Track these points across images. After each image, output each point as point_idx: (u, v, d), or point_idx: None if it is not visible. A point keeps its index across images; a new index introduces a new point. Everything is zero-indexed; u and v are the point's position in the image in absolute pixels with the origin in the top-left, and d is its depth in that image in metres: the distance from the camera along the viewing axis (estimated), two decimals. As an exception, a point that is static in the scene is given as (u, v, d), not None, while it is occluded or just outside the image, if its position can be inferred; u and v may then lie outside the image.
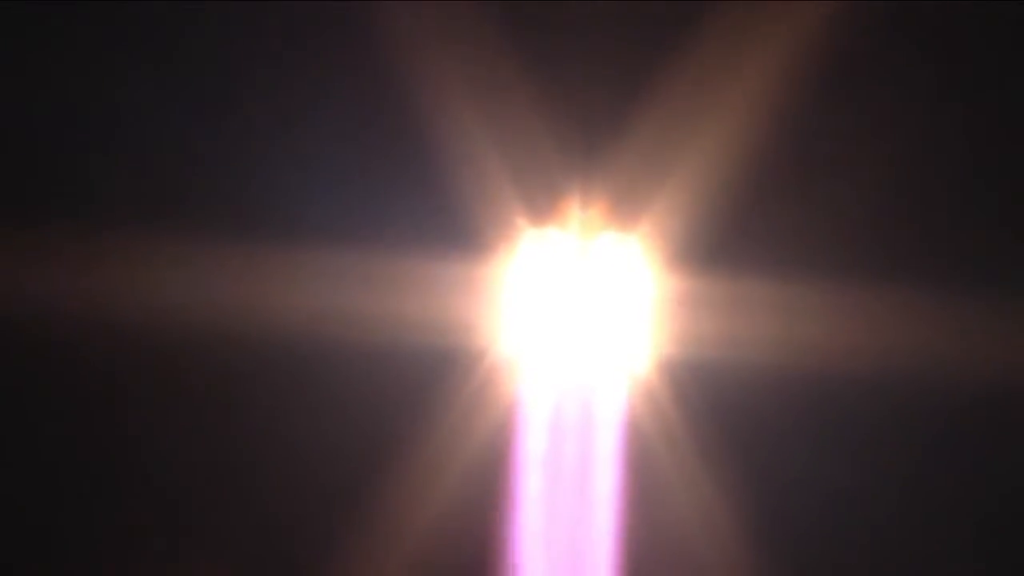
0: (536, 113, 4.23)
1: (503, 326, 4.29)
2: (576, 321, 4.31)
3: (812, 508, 4.29)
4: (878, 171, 4.35)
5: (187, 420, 4.28)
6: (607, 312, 4.31)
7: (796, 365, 4.20)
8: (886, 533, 4.33)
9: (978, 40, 4.36)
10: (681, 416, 4.25)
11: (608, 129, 4.24)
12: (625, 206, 4.27)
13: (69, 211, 4.24)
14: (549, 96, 4.24)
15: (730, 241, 4.26)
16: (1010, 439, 4.35)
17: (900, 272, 4.31)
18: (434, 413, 4.20)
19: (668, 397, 4.26)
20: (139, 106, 4.31)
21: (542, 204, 4.27)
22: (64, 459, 4.28)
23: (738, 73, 4.23)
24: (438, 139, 4.21)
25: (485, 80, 4.24)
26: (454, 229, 4.23)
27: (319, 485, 4.22)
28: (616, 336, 4.30)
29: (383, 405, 4.22)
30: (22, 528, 4.25)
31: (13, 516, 4.25)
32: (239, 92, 4.31)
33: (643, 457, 4.25)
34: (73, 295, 4.11)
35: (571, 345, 4.30)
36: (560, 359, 4.30)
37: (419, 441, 4.19)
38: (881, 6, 4.30)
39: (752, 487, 4.23)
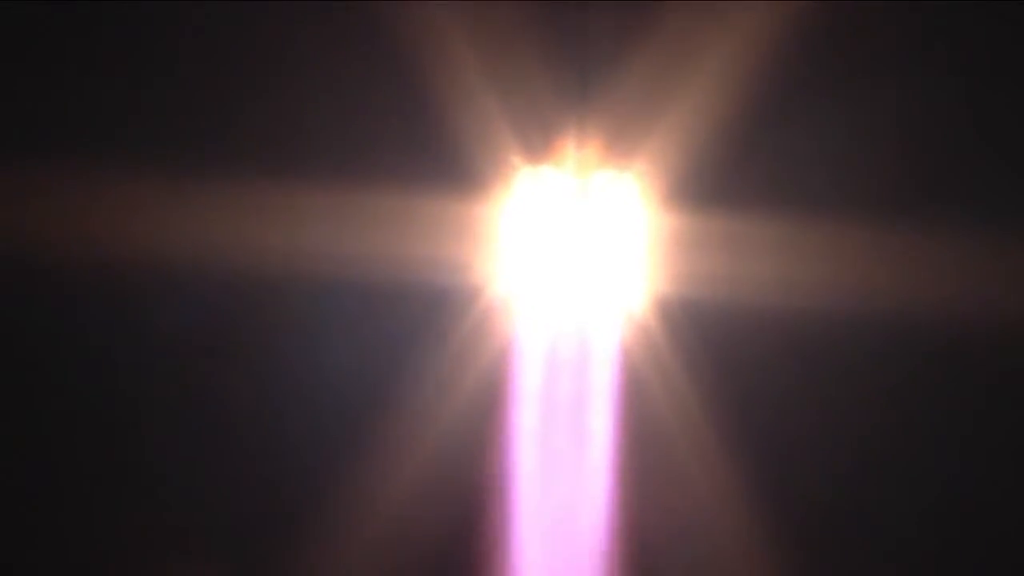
0: (532, 52, 4.23)
1: (499, 264, 4.30)
2: (572, 259, 4.32)
3: (805, 443, 4.32)
4: (878, 111, 4.34)
5: (182, 358, 4.31)
6: (603, 250, 4.32)
7: (791, 304, 4.21)
8: (879, 467, 4.35)
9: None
10: (676, 354, 4.27)
11: (604, 67, 4.24)
12: (621, 144, 4.27)
13: (66, 148, 4.25)
14: (545, 34, 4.24)
15: (726, 179, 4.26)
16: (1009, 379, 4.37)
17: (899, 212, 4.31)
18: (431, 350, 4.23)
19: (663, 335, 4.28)
20: (136, 41, 4.33)
21: (538, 143, 4.27)
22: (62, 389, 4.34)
23: (737, 10, 4.22)
24: (435, 78, 4.21)
25: (482, 20, 4.23)
26: (451, 168, 4.24)
27: (315, 421, 4.26)
28: (611, 274, 4.32)
29: (379, 343, 4.25)
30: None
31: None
32: (236, 30, 4.31)
33: (638, 394, 4.27)
34: (69, 232, 4.14)
35: (567, 283, 4.32)
36: (556, 297, 4.32)
37: (416, 378, 4.22)
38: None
39: (745, 424, 4.25)
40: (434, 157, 4.24)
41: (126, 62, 4.32)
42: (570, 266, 4.32)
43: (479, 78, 4.21)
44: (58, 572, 4.27)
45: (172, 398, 4.31)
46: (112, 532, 4.29)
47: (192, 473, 4.31)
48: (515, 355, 4.28)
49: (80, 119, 4.29)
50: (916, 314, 4.22)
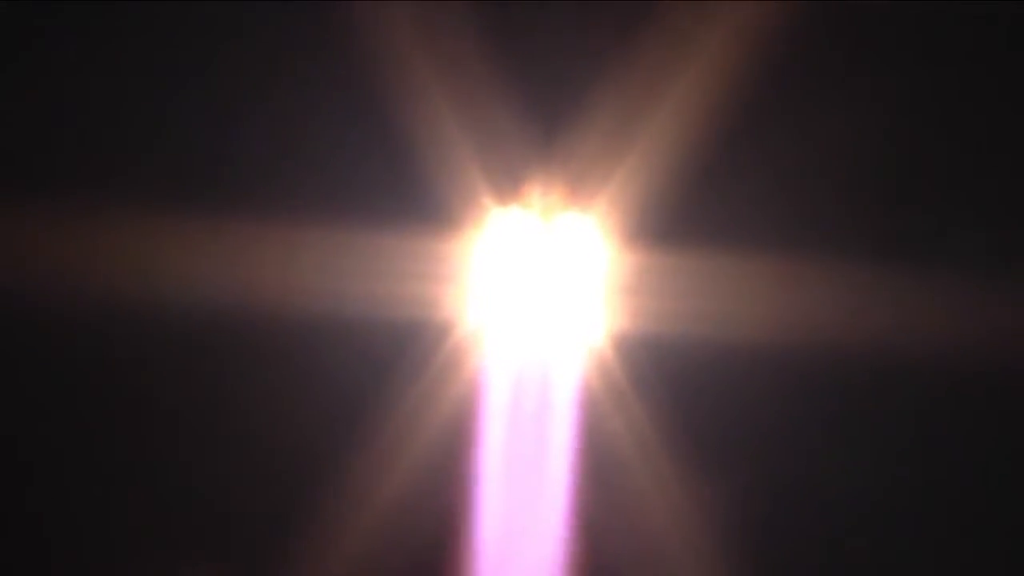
0: (502, 97, 4.35)
1: (468, 300, 4.41)
2: (537, 296, 4.44)
3: (765, 473, 4.40)
4: (837, 148, 4.42)
5: (162, 392, 4.41)
6: (567, 288, 4.43)
7: (750, 339, 4.31)
8: (834, 496, 4.43)
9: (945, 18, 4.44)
10: (634, 386, 4.37)
11: (569, 111, 4.35)
12: (585, 185, 4.38)
13: (61, 191, 4.35)
14: (514, 82, 4.35)
15: (686, 218, 4.36)
16: (980, 414, 4.44)
17: (857, 247, 4.40)
18: (402, 383, 4.33)
19: (622, 369, 4.38)
20: (130, 89, 4.43)
21: (506, 184, 4.38)
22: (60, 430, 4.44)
23: (696, 54, 4.32)
24: (407, 121, 4.33)
25: (454, 66, 4.35)
26: (422, 208, 4.34)
27: (287, 455, 4.35)
28: (575, 310, 4.43)
29: (351, 376, 4.34)
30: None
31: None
32: (214, 75, 4.42)
33: (598, 424, 4.37)
34: (61, 272, 4.24)
35: (532, 319, 4.43)
36: (522, 332, 4.43)
37: (387, 411, 4.31)
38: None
39: (702, 455, 4.35)
40: (406, 198, 4.34)
41: (115, 100, 4.43)
42: (536, 303, 4.44)
43: (450, 122, 4.32)
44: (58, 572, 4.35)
45: (156, 425, 4.40)
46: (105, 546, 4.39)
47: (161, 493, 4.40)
48: (483, 386, 4.38)
49: (72, 153, 4.40)
50: (879, 346, 4.30)
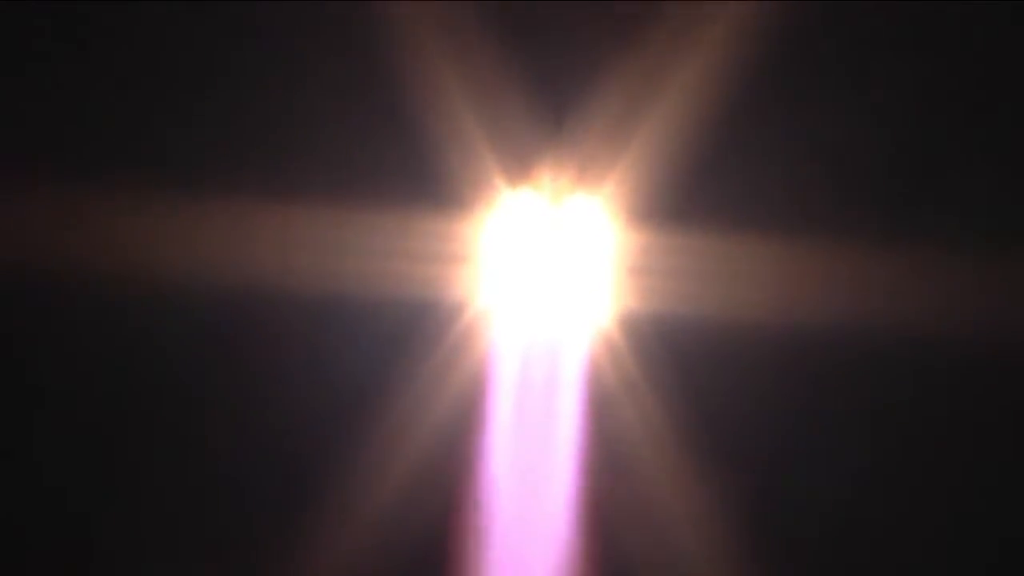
0: (512, 79, 4.39)
1: (479, 281, 4.44)
2: (546, 277, 4.48)
3: (770, 456, 4.45)
4: (841, 129, 4.46)
5: (165, 372, 4.44)
6: (575, 268, 4.47)
7: (754, 320, 4.35)
8: (838, 478, 4.46)
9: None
10: (641, 366, 4.41)
11: (578, 94, 4.39)
12: (594, 167, 4.42)
13: (61, 163, 4.38)
14: (525, 66, 4.40)
15: (693, 200, 4.39)
16: (968, 396, 4.46)
17: (863, 230, 4.43)
18: (412, 363, 4.36)
19: (630, 349, 4.42)
20: (127, 58, 4.45)
21: (516, 165, 4.42)
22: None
23: (702, 39, 4.36)
24: (419, 104, 4.37)
25: (465, 50, 4.38)
26: (434, 189, 4.38)
27: (298, 434, 4.38)
28: (583, 291, 4.47)
29: (362, 356, 4.38)
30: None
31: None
32: (220, 47, 4.45)
33: (605, 403, 4.41)
34: (64, 259, 4.27)
35: (541, 300, 4.48)
36: (531, 313, 4.47)
37: (397, 391, 4.35)
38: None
39: (709, 434, 4.38)
40: (418, 180, 4.37)
41: (118, 79, 4.43)
42: (545, 283, 4.47)
43: (462, 104, 4.36)
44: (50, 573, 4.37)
45: (160, 404, 4.43)
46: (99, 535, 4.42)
47: (174, 479, 4.43)
48: (492, 366, 4.41)
49: (73, 134, 4.40)
50: (884, 328, 4.34)
